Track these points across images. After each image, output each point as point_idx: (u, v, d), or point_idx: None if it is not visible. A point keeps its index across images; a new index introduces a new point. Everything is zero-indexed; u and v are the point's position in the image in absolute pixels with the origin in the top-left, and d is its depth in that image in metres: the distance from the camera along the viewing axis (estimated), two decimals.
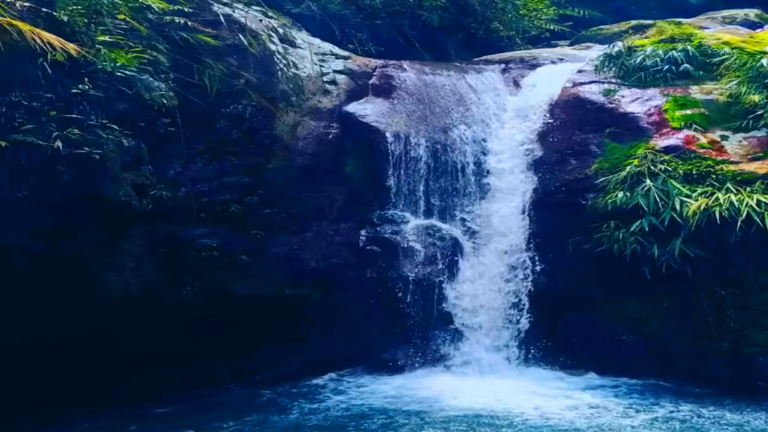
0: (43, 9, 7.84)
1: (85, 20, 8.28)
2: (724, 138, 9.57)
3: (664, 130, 9.85)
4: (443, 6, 15.00)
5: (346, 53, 12.44)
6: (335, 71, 11.66)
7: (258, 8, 11.46)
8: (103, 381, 8.64)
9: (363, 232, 10.36)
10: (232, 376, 9.53)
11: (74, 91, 7.79)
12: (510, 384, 9.13)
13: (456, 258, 10.24)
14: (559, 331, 9.88)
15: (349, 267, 10.16)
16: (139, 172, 8.63)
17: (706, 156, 9.33)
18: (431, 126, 10.94)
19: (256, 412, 8.32)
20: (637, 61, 11.03)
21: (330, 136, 10.77)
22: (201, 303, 9.30)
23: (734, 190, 8.67)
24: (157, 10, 9.16)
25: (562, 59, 12.86)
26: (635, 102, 10.42)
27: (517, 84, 12.02)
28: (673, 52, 10.96)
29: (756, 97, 9.62)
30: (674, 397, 8.66)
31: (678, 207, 8.81)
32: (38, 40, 6.93)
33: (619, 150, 9.89)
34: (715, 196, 8.64)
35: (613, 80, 11.04)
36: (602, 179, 9.61)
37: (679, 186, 9.01)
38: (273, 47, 10.91)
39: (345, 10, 14.40)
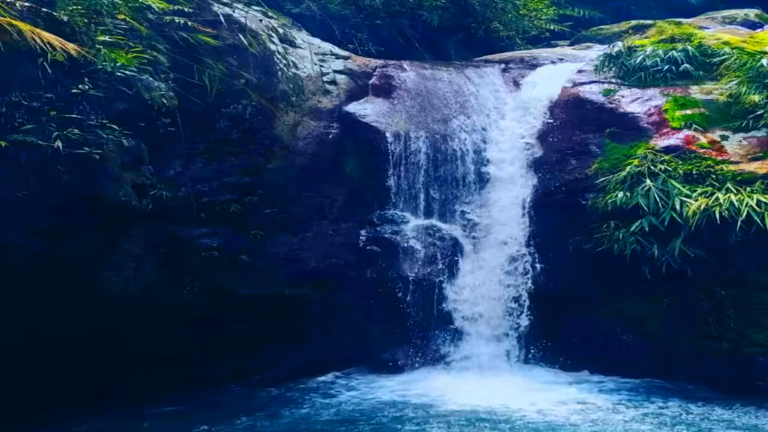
0: (43, 9, 7.85)
1: (85, 20, 8.28)
2: (724, 138, 9.57)
3: (664, 130, 9.85)
4: (443, 6, 15.00)
5: (346, 53, 12.45)
6: (335, 71, 11.67)
7: (258, 8, 11.46)
8: (104, 381, 8.63)
9: (363, 232, 10.35)
10: (232, 375, 9.54)
11: (74, 91, 7.80)
12: (510, 383, 9.12)
13: (456, 258, 10.24)
14: (559, 331, 9.88)
15: (349, 267, 10.16)
16: (139, 172, 8.64)
17: (706, 156, 9.33)
18: (431, 126, 10.92)
19: (265, 410, 8.34)
20: (637, 61, 11.03)
21: (330, 136, 10.78)
22: (201, 303, 9.30)
23: (734, 190, 8.67)
24: (157, 10, 9.16)
25: (562, 59, 12.85)
26: (635, 102, 10.42)
27: (517, 84, 12.01)
28: (673, 52, 10.96)
29: (756, 97, 9.62)
30: (677, 397, 8.63)
31: (678, 207, 8.81)
32: (38, 40, 6.93)
33: (619, 150, 9.89)
34: (715, 196, 8.63)
35: (613, 80, 11.04)
36: (602, 179, 9.61)
37: (679, 186, 9.00)
38: (273, 47, 10.91)
39: (345, 10, 14.42)
